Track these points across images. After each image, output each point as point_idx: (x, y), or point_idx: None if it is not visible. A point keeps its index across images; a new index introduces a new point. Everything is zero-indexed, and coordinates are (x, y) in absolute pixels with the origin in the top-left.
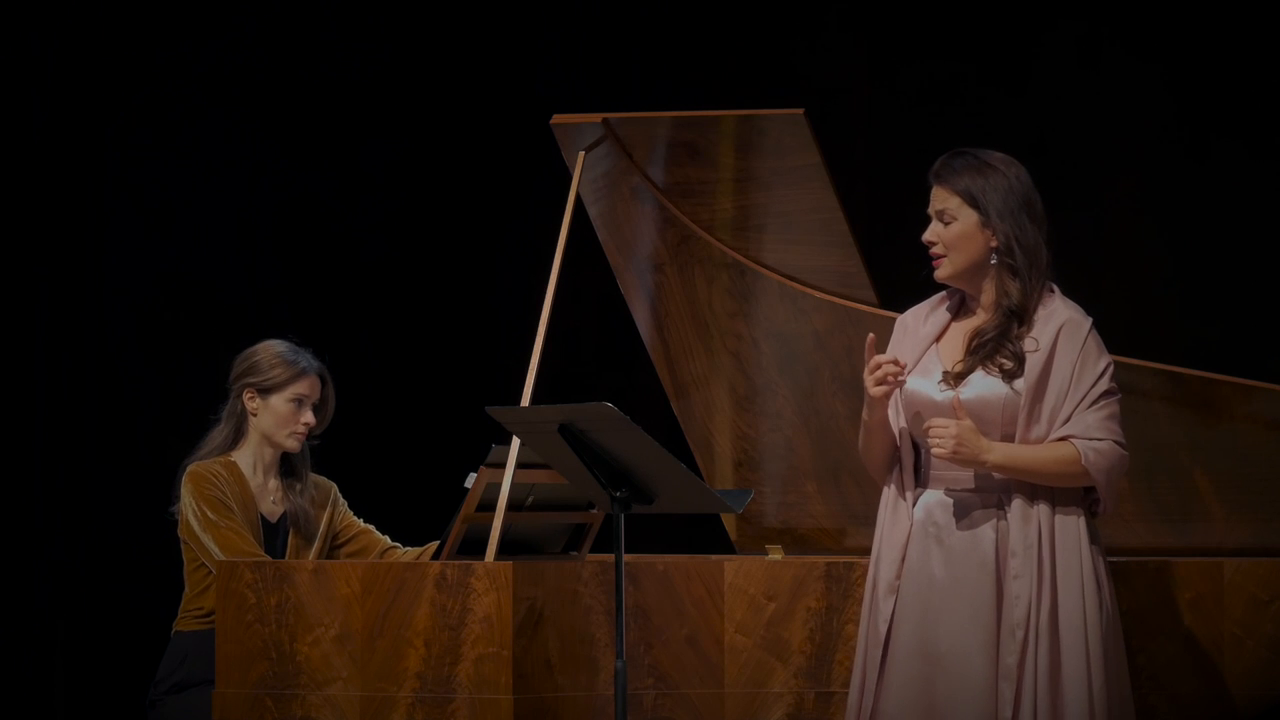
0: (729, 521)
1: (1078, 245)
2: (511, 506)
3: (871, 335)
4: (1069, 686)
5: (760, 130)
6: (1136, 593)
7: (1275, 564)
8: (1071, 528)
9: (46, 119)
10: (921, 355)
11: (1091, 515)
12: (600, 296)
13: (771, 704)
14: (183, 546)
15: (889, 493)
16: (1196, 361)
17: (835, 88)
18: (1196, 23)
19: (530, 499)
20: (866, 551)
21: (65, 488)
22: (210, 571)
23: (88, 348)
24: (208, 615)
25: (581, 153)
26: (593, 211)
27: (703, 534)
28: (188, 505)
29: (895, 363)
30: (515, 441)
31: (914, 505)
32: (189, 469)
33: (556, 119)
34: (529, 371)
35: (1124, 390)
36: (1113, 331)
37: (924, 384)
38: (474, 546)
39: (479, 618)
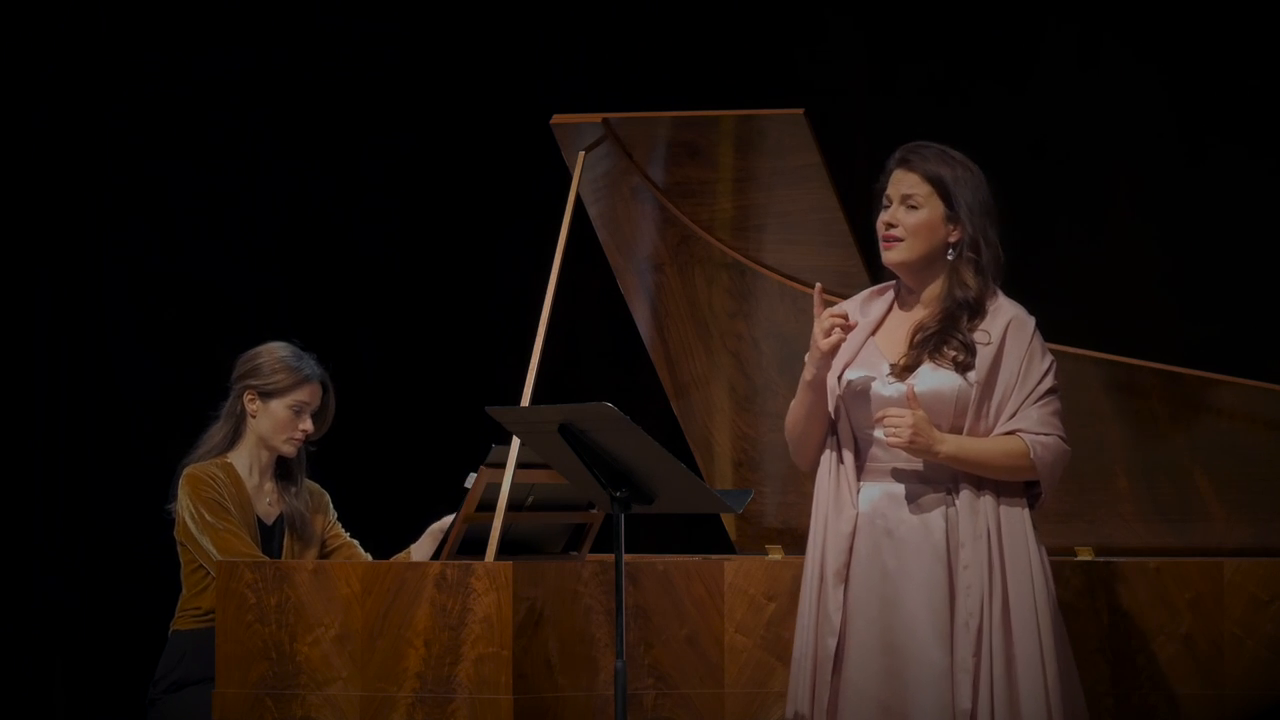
0: (729, 521)
1: (1078, 245)
2: (511, 506)
3: (819, 284)
4: (1024, 676)
5: (760, 130)
6: (1136, 593)
7: (1275, 564)
8: (1017, 520)
9: (47, 118)
10: (860, 347)
11: (1029, 508)
12: (600, 296)
13: (771, 704)
14: (179, 549)
15: (828, 481)
16: (1196, 361)
17: (835, 88)
18: (1196, 23)
19: (530, 499)
20: None
21: (65, 488)
22: (208, 573)
23: (88, 348)
24: (205, 615)
25: (581, 153)
26: (593, 211)
27: (703, 534)
28: (185, 507)
29: (844, 316)
30: (515, 441)
31: (857, 496)
32: (186, 471)
33: (556, 119)
34: (529, 371)
35: (1123, 390)
36: (1113, 331)
37: (868, 376)
38: (474, 546)
39: (479, 618)
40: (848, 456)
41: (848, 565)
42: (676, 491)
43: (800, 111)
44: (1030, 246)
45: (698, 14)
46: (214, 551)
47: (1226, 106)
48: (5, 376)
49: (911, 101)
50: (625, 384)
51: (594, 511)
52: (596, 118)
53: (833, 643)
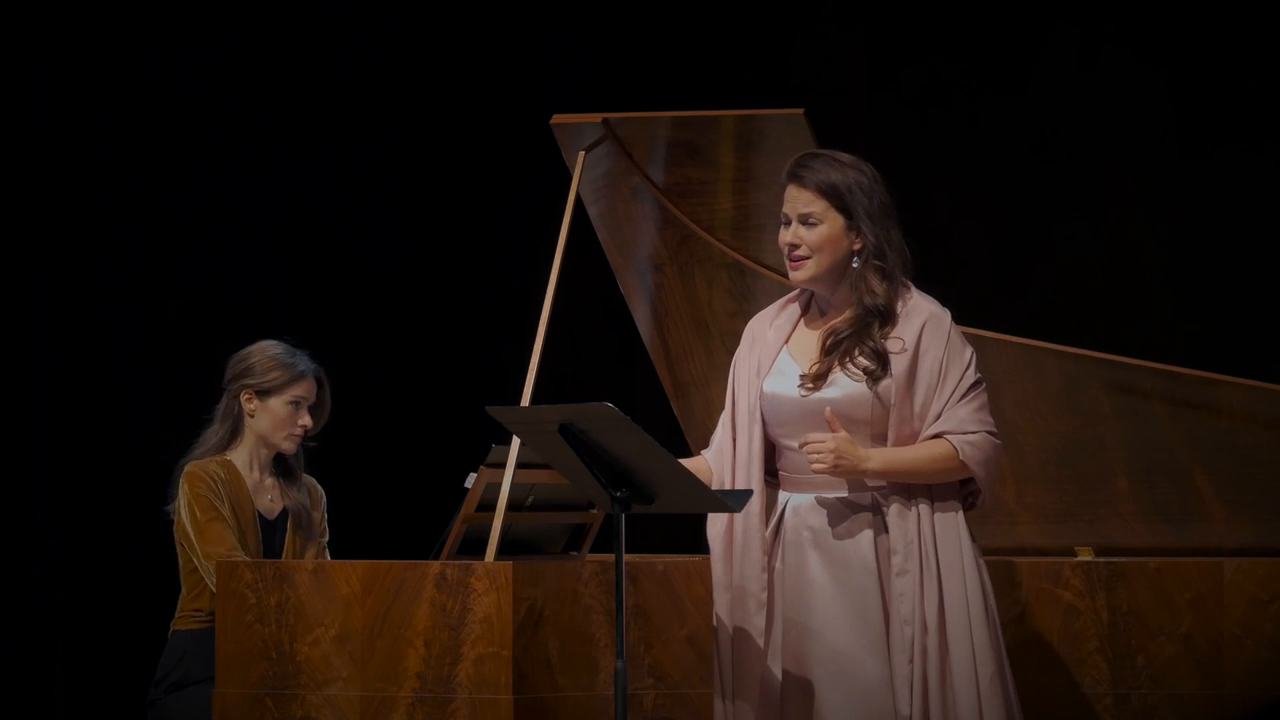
0: None
1: (1078, 245)
2: (511, 506)
3: None
4: (958, 680)
5: (760, 130)
6: (1136, 593)
7: (1275, 564)
8: (951, 524)
9: (47, 119)
10: (773, 360)
11: (970, 508)
12: (600, 296)
13: None
14: (178, 549)
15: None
16: (1196, 361)
17: (835, 88)
18: (1196, 23)
19: (530, 499)
20: None
21: (65, 488)
22: None
23: (88, 348)
24: (205, 615)
25: (581, 153)
26: (593, 211)
27: (703, 534)
28: (183, 506)
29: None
30: (515, 441)
31: (781, 510)
32: (186, 469)
33: (556, 119)
34: (529, 371)
35: (1123, 390)
36: (1113, 331)
37: (783, 385)
38: (474, 546)
39: (479, 618)
40: (759, 470)
41: (765, 589)
42: (676, 491)
43: (800, 111)
44: (1030, 247)
45: (697, 14)
46: (201, 559)
47: (1227, 106)
48: (5, 377)
49: (911, 101)
50: (625, 384)
51: (594, 511)
52: (596, 118)
53: (759, 669)
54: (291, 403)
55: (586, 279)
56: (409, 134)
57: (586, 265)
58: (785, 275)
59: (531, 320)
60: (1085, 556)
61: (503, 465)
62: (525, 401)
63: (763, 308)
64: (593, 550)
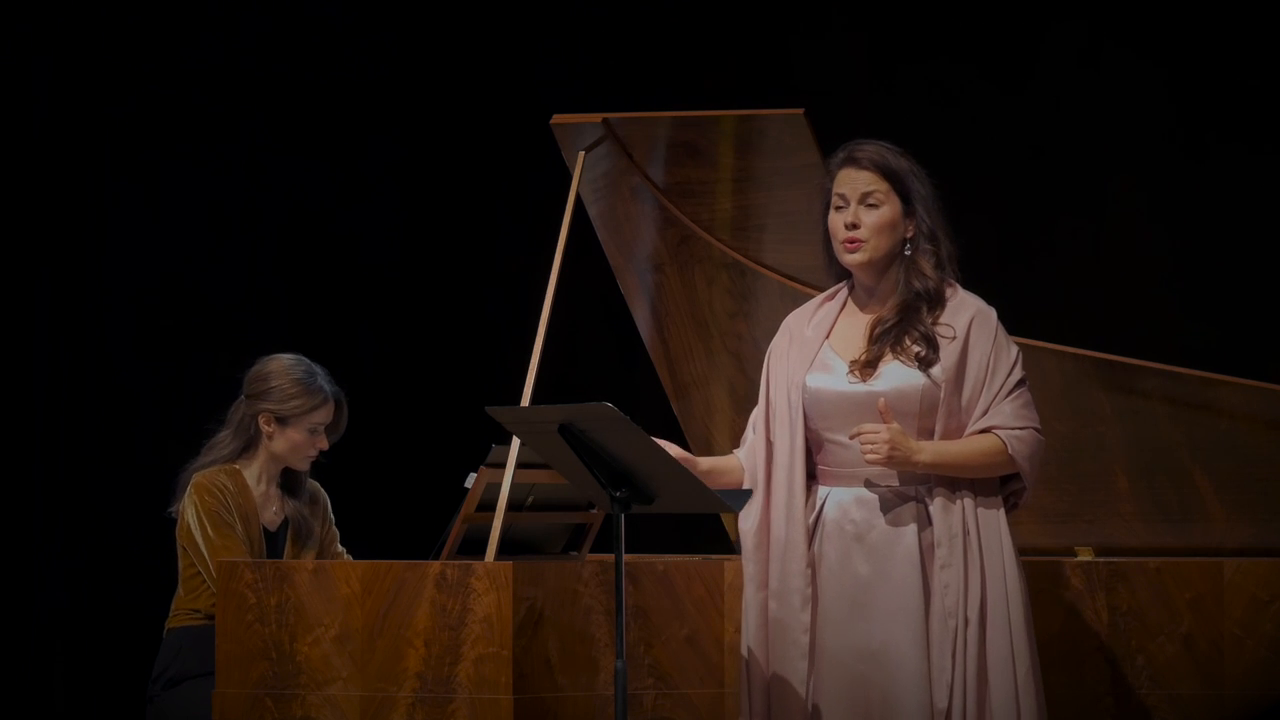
0: (729, 521)
1: (1078, 245)
2: (511, 506)
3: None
4: (995, 675)
5: (760, 130)
6: (1136, 593)
7: (1275, 564)
8: (993, 519)
9: (47, 118)
10: (814, 356)
11: (1013, 508)
12: (600, 296)
13: None
14: (179, 551)
15: (778, 494)
16: (1196, 361)
17: (835, 88)
18: (1196, 22)
19: (530, 499)
20: None
21: (65, 488)
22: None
23: (88, 348)
24: (202, 615)
25: (581, 153)
26: (593, 211)
27: (703, 534)
28: (190, 515)
29: None
30: (515, 441)
31: (821, 504)
32: (195, 479)
33: (556, 119)
34: (529, 371)
35: (1123, 390)
36: (1113, 331)
37: (829, 379)
38: (474, 546)
39: (479, 618)
40: (801, 466)
41: (810, 585)
42: (676, 491)
43: (800, 111)
44: (1030, 246)
45: (698, 14)
46: (213, 569)
47: (1227, 105)
48: (5, 376)
49: (911, 101)
50: (625, 384)
51: (594, 511)
52: (596, 118)
53: (804, 666)
54: (311, 429)
55: (586, 279)
56: (409, 134)
57: (586, 265)
58: (786, 275)
59: (531, 320)
60: (1085, 556)
61: (503, 465)
62: (525, 401)
63: (763, 308)
64: (593, 550)
